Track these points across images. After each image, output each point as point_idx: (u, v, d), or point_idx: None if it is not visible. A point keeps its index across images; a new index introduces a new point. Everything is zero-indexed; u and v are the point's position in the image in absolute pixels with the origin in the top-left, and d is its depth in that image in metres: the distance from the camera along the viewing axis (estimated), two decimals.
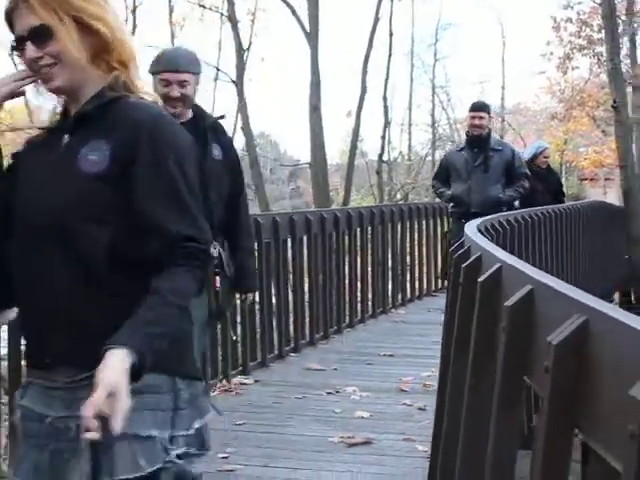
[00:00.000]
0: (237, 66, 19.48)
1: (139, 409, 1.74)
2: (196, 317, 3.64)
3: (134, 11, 21.01)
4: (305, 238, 7.16)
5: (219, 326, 5.61)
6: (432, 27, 30.74)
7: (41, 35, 1.79)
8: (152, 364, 1.70)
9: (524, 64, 33.62)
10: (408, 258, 9.69)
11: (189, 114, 3.71)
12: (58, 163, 1.82)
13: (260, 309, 6.38)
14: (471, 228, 3.22)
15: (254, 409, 5.19)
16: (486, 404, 1.70)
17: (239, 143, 23.24)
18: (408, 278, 9.62)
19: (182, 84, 3.61)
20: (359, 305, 8.26)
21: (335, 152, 32.24)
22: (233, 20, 19.30)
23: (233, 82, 19.63)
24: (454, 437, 1.99)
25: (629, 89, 15.61)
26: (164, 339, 1.73)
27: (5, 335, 4.06)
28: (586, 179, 26.49)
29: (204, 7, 21.09)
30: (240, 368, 6.04)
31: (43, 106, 1.99)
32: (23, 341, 2.05)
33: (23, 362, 3.54)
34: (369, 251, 8.61)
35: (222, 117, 3.95)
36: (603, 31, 11.34)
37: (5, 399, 4.49)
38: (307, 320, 7.21)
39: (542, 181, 8.74)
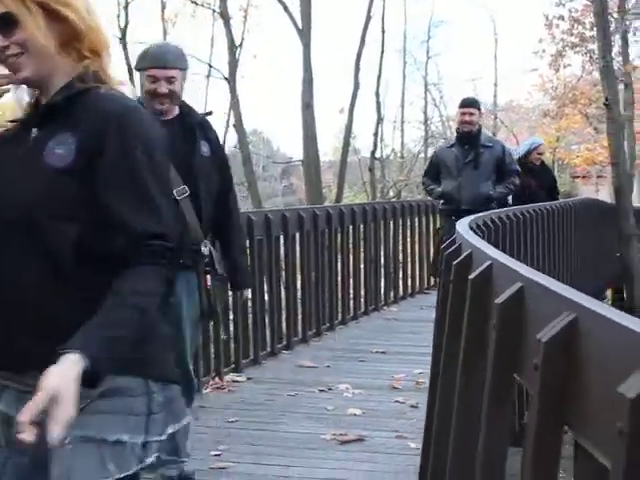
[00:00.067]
0: (229, 63, 19.47)
1: (109, 413, 1.71)
2: (188, 316, 3.67)
3: (126, 7, 20.95)
4: (297, 235, 7.16)
5: (211, 324, 5.61)
6: (424, 24, 30.72)
7: (6, 23, 1.72)
8: (110, 368, 1.64)
9: (516, 61, 33.77)
10: (400, 255, 9.70)
11: (176, 111, 3.69)
12: (26, 157, 1.77)
13: (252, 306, 6.38)
14: (462, 225, 3.22)
15: (246, 406, 5.20)
16: (477, 402, 1.70)
17: (232, 140, 23.25)
18: (400, 275, 9.63)
19: (170, 80, 3.59)
20: (351, 302, 8.27)
21: (328, 149, 32.24)
22: (225, 17, 19.28)
23: (225, 79, 19.63)
24: (445, 435, 1.99)
25: (621, 86, 15.64)
26: (123, 342, 1.66)
27: None
28: (578, 177, 26.52)
29: (196, 3, 21.06)
30: (232, 365, 6.05)
31: (24, 99, 1.91)
32: None
33: None
34: (361, 248, 8.62)
35: (209, 113, 3.93)
36: (595, 29, 11.35)
37: None
38: (299, 317, 7.21)
39: (536, 178, 8.72)
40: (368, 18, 19.95)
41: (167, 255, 1.72)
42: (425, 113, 26.78)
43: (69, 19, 1.74)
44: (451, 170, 7.25)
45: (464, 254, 2.18)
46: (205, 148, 3.69)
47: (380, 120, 22.72)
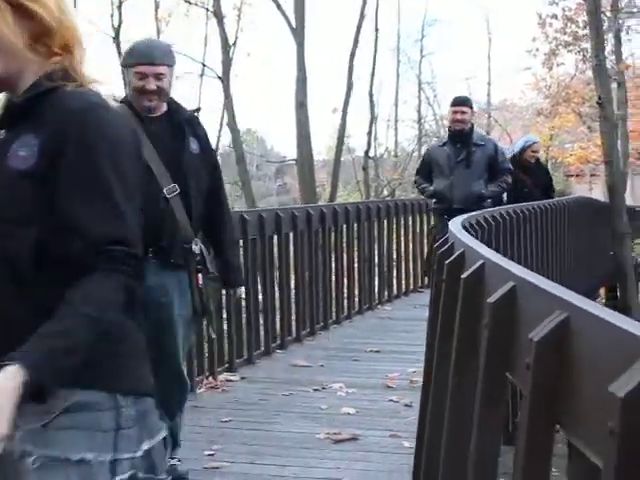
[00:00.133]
0: (223, 62, 19.46)
1: (73, 429, 1.63)
2: (180, 315, 3.65)
3: (120, 7, 20.94)
4: (291, 234, 7.16)
5: (205, 323, 5.60)
6: (418, 23, 30.81)
7: None
8: (57, 381, 1.57)
9: (510, 60, 33.83)
10: (394, 254, 9.70)
11: (164, 107, 3.66)
12: None
13: (246, 306, 6.38)
14: (455, 224, 3.22)
15: (240, 406, 5.19)
16: (469, 401, 1.70)
17: (225, 139, 23.22)
18: (394, 274, 9.64)
19: (158, 77, 3.56)
20: (345, 301, 8.27)
21: (322, 148, 32.29)
22: (219, 15, 19.27)
23: (219, 78, 19.62)
24: (438, 434, 1.99)
25: (614, 85, 15.67)
26: (70, 353, 1.55)
27: None
28: (572, 175, 26.58)
29: (189, 2, 21.05)
30: (226, 365, 6.04)
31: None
32: None
33: None
34: (355, 247, 8.62)
35: (198, 110, 3.89)
36: (588, 27, 11.37)
37: None
38: (293, 317, 7.21)
39: (531, 175, 8.70)
40: (362, 17, 19.97)
41: (128, 261, 1.61)
42: (419, 112, 26.84)
43: (38, 15, 1.66)
44: (443, 169, 7.22)
45: (456, 253, 2.18)
46: (194, 145, 3.66)
47: (374, 119, 22.75)
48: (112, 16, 20.92)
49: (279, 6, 18.53)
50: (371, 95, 22.37)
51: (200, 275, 3.67)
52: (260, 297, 6.73)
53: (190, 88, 23.62)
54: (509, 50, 51.35)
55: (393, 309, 8.89)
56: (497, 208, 6.32)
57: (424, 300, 8.04)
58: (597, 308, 1.15)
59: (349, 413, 4.99)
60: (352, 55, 19.59)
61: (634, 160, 21.22)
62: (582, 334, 1.17)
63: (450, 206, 6.97)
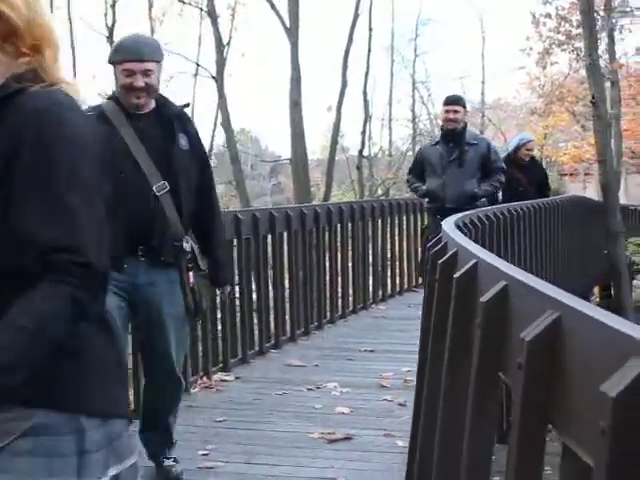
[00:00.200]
0: (217, 62, 19.47)
1: (30, 454, 1.52)
2: (170, 314, 3.61)
3: (113, 6, 20.93)
4: (285, 234, 7.16)
5: (199, 322, 5.60)
6: (412, 22, 30.84)
7: None
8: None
9: (504, 59, 33.88)
10: (389, 254, 9.70)
11: (152, 104, 3.62)
12: None
13: (240, 305, 6.38)
14: (449, 224, 3.23)
15: (234, 406, 5.19)
16: (462, 400, 1.70)
17: (219, 139, 23.20)
18: (389, 274, 9.64)
19: (146, 73, 3.51)
20: (340, 301, 8.27)
21: (317, 147, 32.30)
22: (213, 15, 19.28)
23: (213, 78, 19.62)
24: (431, 433, 1.99)
25: (607, 84, 15.70)
26: (9, 370, 1.44)
27: None
28: (566, 174, 26.62)
29: (183, 2, 21.05)
30: (221, 365, 6.04)
31: None
32: None
33: None
34: (350, 247, 8.62)
35: (187, 105, 3.84)
36: (581, 26, 11.38)
37: None
38: (288, 316, 7.21)
39: (526, 173, 8.70)
40: (356, 16, 19.99)
41: (74, 272, 1.47)
42: (413, 111, 26.88)
43: (5, 15, 1.59)
44: (436, 168, 7.18)
45: (449, 253, 2.18)
46: (184, 141, 3.61)
47: (368, 118, 22.77)
48: (106, 15, 20.94)
49: (273, 6, 18.54)
50: (365, 94, 22.41)
51: (191, 273, 3.64)
52: (254, 297, 6.73)
53: (184, 88, 23.61)
54: (503, 49, 51.46)
55: (387, 308, 8.90)
56: (492, 207, 6.32)
57: (418, 299, 8.01)
58: (589, 308, 1.15)
59: (343, 413, 4.99)
60: (346, 54, 19.61)
61: (627, 159, 21.27)
62: (574, 334, 1.17)
63: (443, 205, 6.94)
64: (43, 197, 1.50)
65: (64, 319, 1.48)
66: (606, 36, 17.29)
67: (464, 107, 7.36)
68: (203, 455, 4.27)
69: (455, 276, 1.88)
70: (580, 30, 14.13)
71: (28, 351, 1.46)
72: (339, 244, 8.37)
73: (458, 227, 3.48)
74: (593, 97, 10.08)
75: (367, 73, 22.20)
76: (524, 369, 1.23)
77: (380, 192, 22.30)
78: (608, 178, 10.42)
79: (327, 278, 8.04)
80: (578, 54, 19.13)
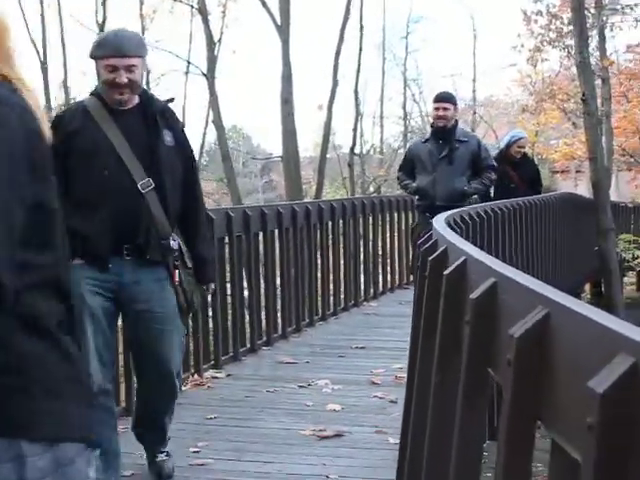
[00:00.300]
0: (208, 59, 19.44)
1: None
2: (162, 313, 3.59)
3: (104, 3, 20.87)
4: (277, 231, 7.16)
5: (190, 319, 5.59)
6: (403, 20, 30.85)
7: None
8: None
9: (495, 57, 33.88)
10: (380, 251, 9.71)
11: (136, 100, 3.56)
12: None
13: (232, 303, 6.38)
14: (439, 221, 3.23)
15: (226, 403, 5.19)
16: (452, 397, 1.71)
17: (211, 137, 23.17)
18: (380, 271, 9.64)
19: (130, 69, 3.44)
20: (331, 298, 8.28)
21: (308, 145, 32.30)
22: (204, 13, 19.24)
23: (204, 75, 19.58)
24: (422, 430, 2.00)
25: (598, 82, 15.73)
26: None
27: None
28: (557, 172, 26.67)
29: None
30: (212, 362, 6.04)
31: None
32: None
33: None
34: (341, 244, 8.62)
35: (171, 100, 3.78)
36: (572, 24, 11.40)
37: None
38: (279, 313, 7.21)
39: (517, 170, 8.70)
40: (347, 14, 19.97)
41: None
42: (404, 109, 26.90)
43: None
44: (426, 165, 7.16)
45: (440, 250, 2.18)
46: (168, 137, 3.56)
47: (359, 116, 22.78)
48: (97, 12, 20.88)
49: (264, 3, 18.52)
50: (356, 92, 22.42)
51: (177, 271, 3.58)
52: (246, 294, 6.73)
53: (175, 85, 23.58)
54: (494, 47, 51.57)
55: (379, 305, 8.90)
56: (483, 204, 6.32)
57: (410, 296, 8.01)
58: (577, 304, 1.16)
59: (334, 410, 4.99)
60: (337, 52, 19.60)
61: (618, 156, 21.31)
62: (562, 330, 1.18)
63: (433, 203, 6.91)
64: None
65: None
66: (597, 34, 17.30)
67: (454, 104, 7.34)
68: (194, 452, 4.27)
69: (445, 273, 1.88)
70: (571, 27, 14.15)
71: None
72: (331, 241, 8.37)
73: (449, 224, 3.49)
74: (584, 94, 10.09)
75: (358, 71, 22.21)
76: (513, 365, 1.23)
77: (372, 189, 22.31)
78: (599, 175, 10.44)
79: (319, 275, 8.04)
80: (569, 51, 19.16)
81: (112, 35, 3.54)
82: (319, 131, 23.54)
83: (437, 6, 50.35)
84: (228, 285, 6.43)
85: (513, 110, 26.65)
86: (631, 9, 17.52)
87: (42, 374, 1.44)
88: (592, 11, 15.04)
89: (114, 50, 3.44)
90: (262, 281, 6.98)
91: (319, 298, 7.98)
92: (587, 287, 13.67)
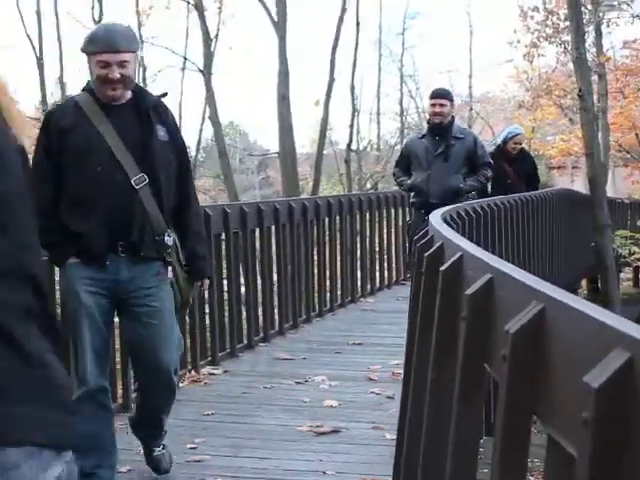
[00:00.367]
0: (204, 55, 19.42)
1: None
2: (158, 309, 3.57)
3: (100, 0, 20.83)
4: (273, 228, 7.16)
5: (187, 316, 5.60)
6: (400, 16, 30.81)
7: None
8: None
9: (492, 53, 33.89)
10: (377, 247, 9.71)
11: (128, 95, 3.52)
12: None
13: (229, 299, 6.38)
14: (436, 217, 3.23)
15: (223, 399, 5.19)
16: (448, 392, 1.71)
17: (208, 133, 23.15)
18: (377, 267, 9.65)
19: (122, 65, 3.40)
20: (328, 294, 8.28)
21: (305, 141, 32.29)
22: (200, 9, 19.23)
23: (201, 71, 19.56)
24: (418, 426, 2.00)
25: (595, 78, 15.73)
26: None
27: None
28: (554, 168, 26.68)
29: None
30: (209, 358, 6.04)
31: None
32: None
33: None
34: (338, 240, 8.63)
35: (164, 95, 3.73)
36: (568, 20, 11.40)
37: None
38: (276, 310, 7.21)
39: (514, 166, 8.70)
40: (343, 10, 19.97)
41: None
42: (401, 105, 26.90)
43: None
44: (421, 162, 7.13)
45: (436, 246, 2.19)
46: (162, 132, 3.53)
47: (356, 112, 22.78)
48: (93, 9, 20.84)
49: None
50: (353, 88, 22.40)
51: (170, 268, 3.56)
52: (242, 290, 6.73)
53: (172, 81, 23.56)
54: (491, 43, 51.51)
55: (376, 302, 8.91)
56: (479, 200, 6.32)
57: (407, 292, 8.01)
58: (573, 299, 1.16)
59: (331, 406, 5.00)
60: (334, 48, 19.60)
61: (615, 152, 21.33)
62: (558, 325, 1.18)
63: (427, 200, 6.89)
64: None
65: None
66: (593, 30, 17.32)
67: (451, 101, 7.32)
68: (191, 448, 4.27)
69: (441, 269, 1.88)
70: (567, 23, 14.16)
71: None
72: (327, 238, 8.37)
73: (445, 220, 3.49)
74: (580, 90, 10.09)
75: (355, 67, 22.20)
76: (509, 361, 1.23)
77: (368, 186, 22.32)
78: (595, 171, 10.44)
79: (315, 271, 8.04)
80: (565, 47, 19.16)
81: (104, 30, 3.49)
82: (316, 127, 23.57)
83: (433, 2, 50.28)
84: (225, 281, 6.43)
85: (509, 106, 26.66)
86: (627, 5, 17.53)
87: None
88: (589, 7, 15.04)
89: (106, 46, 3.39)
90: (259, 277, 6.98)
91: (316, 294, 7.98)
92: (584, 283, 13.68)
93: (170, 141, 3.57)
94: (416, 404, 2.11)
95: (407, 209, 10.20)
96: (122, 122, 3.49)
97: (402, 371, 2.77)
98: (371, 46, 31.29)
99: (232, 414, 4.87)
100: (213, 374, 5.81)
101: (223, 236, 6.29)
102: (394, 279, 9.91)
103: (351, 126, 22.12)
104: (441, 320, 1.85)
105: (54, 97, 22.27)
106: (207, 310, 6.08)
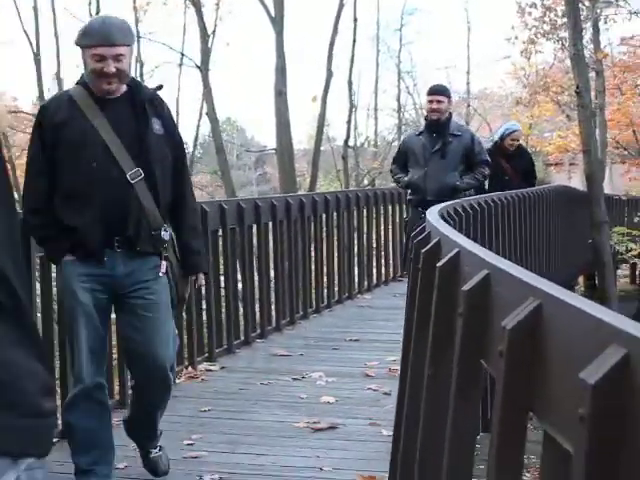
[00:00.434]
0: (202, 51, 19.38)
1: None
2: (154, 302, 3.55)
3: None
4: (271, 224, 7.16)
5: (184, 312, 5.59)
6: (397, 12, 30.82)
7: None
8: None
9: (489, 49, 33.86)
10: (374, 243, 9.72)
11: (123, 88, 3.49)
12: None
13: (226, 295, 6.38)
14: (433, 214, 3.23)
15: (220, 395, 5.19)
16: (445, 388, 1.71)
17: (205, 129, 23.13)
18: (374, 263, 9.65)
19: (117, 58, 3.36)
20: (325, 290, 8.28)
21: (302, 137, 32.29)
22: (197, 4, 19.20)
23: (198, 67, 19.54)
24: (415, 422, 2.00)
25: (592, 74, 15.73)
26: None
27: None
28: (551, 164, 26.69)
29: None
30: (206, 354, 6.04)
31: None
32: None
33: None
34: (335, 237, 8.63)
35: (160, 88, 3.68)
36: (566, 16, 11.40)
37: None
38: (273, 306, 7.21)
39: (511, 163, 8.70)
40: (341, 6, 19.95)
41: None
42: (398, 101, 26.89)
43: None
44: (418, 158, 7.11)
45: (433, 242, 2.18)
46: (157, 125, 3.49)
47: (353, 108, 22.76)
48: (90, 4, 20.82)
49: None
50: (350, 84, 22.39)
51: (164, 262, 3.53)
52: (240, 287, 6.73)
53: (169, 77, 23.54)
54: (488, 39, 51.40)
55: (373, 298, 8.91)
56: (477, 196, 6.31)
57: (404, 289, 7.99)
58: (569, 296, 1.16)
59: (328, 402, 5.00)
60: (331, 44, 19.58)
61: (612, 149, 21.35)
62: (554, 322, 1.18)
63: (424, 197, 6.87)
64: None
65: None
66: (591, 26, 17.32)
67: (448, 97, 7.29)
68: (188, 445, 4.27)
69: (438, 265, 1.88)
70: (565, 20, 14.15)
71: None
72: (325, 234, 8.37)
73: (442, 216, 3.49)
74: (578, 87, 10.09)
75: (352, 63, 22.18)
76: (505, 357, 1.23)
77: (366, 182, 22.31)
78: (593, 168, 10.45)
79: (312, 268, 8.04)
80: (563, 44, 19.15)
81: (99, 23, 3.44)
82: (313, 123, 23.54)
83: None
84: (222, 278, 6.43)
85: (507, 102, 26.65)
86: (625, 1, 17.53)
87: None
88: (586, 3, 15.03)
89: (101, 39, 3.35)
90: (256, 274, 6.98)
91: (313, 291, 7.98)
92: (581, 280, 13.69)
93: (166, 135, 3.54)
94: (413, 400, 2.11)
95: (404, 206, 10.19)
96: (117, 116, 3.46)
97: (399, 367, 2.77)
98: (369, 42, 31.33)
99: (229, 410, 4.87)
100: (210, 370, 5.81)
101: (220, 232, 6.29)
102: (391, 275, 9.91)
103: (348, 122, 22.09)
104: (438, 316, 1.85)
105: (51, 93, 22.23)
106: (204, 306, 6.08)
